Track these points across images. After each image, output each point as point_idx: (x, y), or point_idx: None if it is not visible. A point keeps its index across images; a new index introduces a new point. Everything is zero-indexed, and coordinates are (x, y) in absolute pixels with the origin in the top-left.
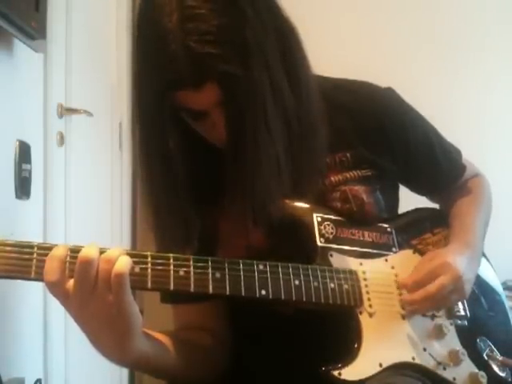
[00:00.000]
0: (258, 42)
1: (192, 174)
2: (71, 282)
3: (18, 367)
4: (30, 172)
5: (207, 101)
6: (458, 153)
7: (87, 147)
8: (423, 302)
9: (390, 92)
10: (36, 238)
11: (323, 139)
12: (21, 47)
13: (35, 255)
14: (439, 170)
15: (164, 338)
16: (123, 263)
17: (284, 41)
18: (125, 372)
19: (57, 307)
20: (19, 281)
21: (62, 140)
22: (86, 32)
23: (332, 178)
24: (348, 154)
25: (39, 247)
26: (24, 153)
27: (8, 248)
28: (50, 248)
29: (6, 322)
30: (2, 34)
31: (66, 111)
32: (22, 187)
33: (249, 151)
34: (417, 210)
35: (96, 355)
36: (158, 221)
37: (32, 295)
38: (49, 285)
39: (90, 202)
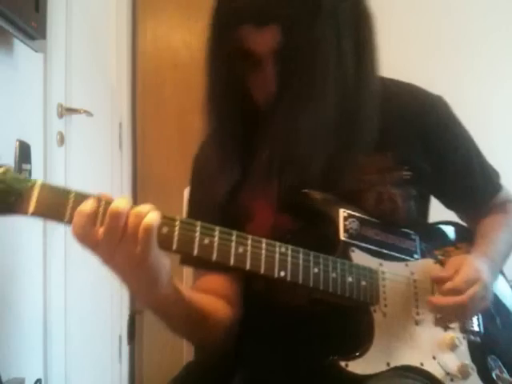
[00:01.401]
0: (334, 5)
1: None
2: (100, 232)
3: (18, 367)
4: (30, 172)
5: (266, 43)
6: (496, 173)
7: (87, 147)
8: (454, 309)
9: (439, 100)
10: (36, 238)
11: (369, 133)
12: (21, 47)
13: (71, 203)
14: (475, 183)
15: (192, 296)
16: (152, 218)
17: (360, 22)
18: (125, 372)
19: (57, 307)
20: (18, 282)
21: (62, 140)
22: (86, 32)
23: (371, 177)
24: (389, 154)
25: (76, 195)
26: (24, 153)
27: (46, 192)
28: (86, 197)
29: (6, 322)
30: (1, 34)
31: (65, 111)
32: None
33: (291, 108)
34: (444, 222)
35: (95, 358)
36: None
37: (32, 295)
38: (76, 237)
39: None
